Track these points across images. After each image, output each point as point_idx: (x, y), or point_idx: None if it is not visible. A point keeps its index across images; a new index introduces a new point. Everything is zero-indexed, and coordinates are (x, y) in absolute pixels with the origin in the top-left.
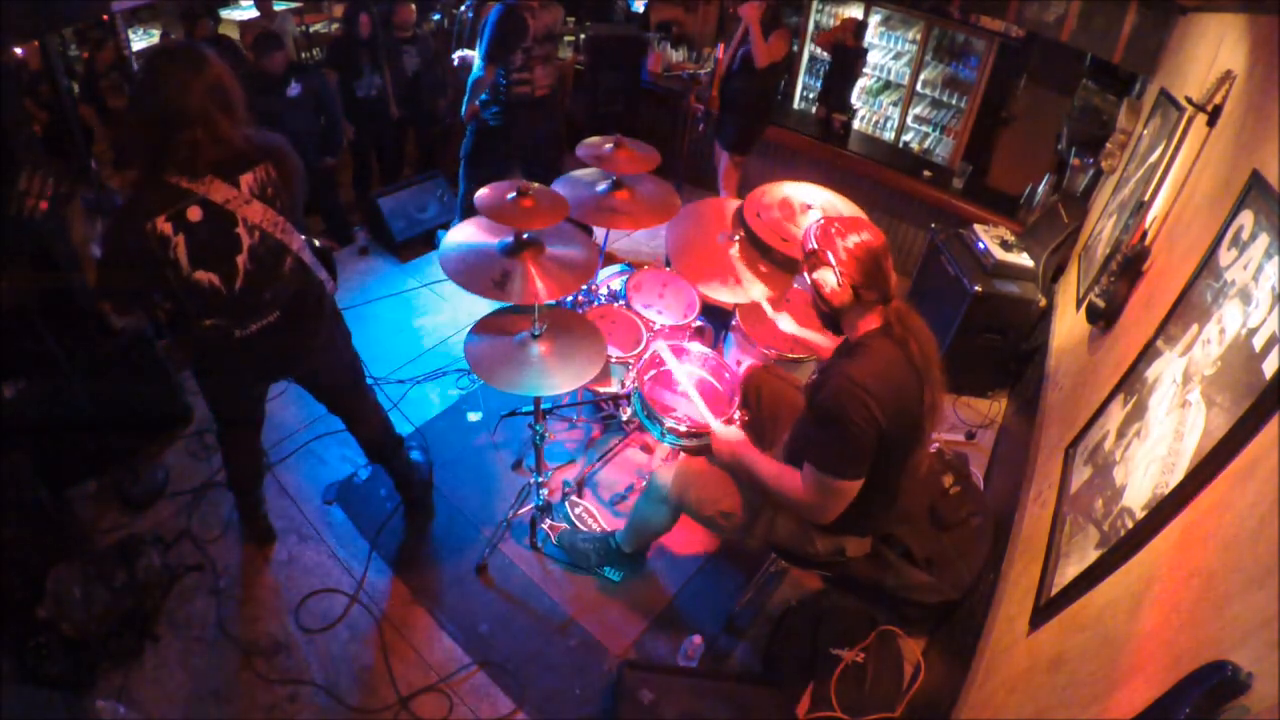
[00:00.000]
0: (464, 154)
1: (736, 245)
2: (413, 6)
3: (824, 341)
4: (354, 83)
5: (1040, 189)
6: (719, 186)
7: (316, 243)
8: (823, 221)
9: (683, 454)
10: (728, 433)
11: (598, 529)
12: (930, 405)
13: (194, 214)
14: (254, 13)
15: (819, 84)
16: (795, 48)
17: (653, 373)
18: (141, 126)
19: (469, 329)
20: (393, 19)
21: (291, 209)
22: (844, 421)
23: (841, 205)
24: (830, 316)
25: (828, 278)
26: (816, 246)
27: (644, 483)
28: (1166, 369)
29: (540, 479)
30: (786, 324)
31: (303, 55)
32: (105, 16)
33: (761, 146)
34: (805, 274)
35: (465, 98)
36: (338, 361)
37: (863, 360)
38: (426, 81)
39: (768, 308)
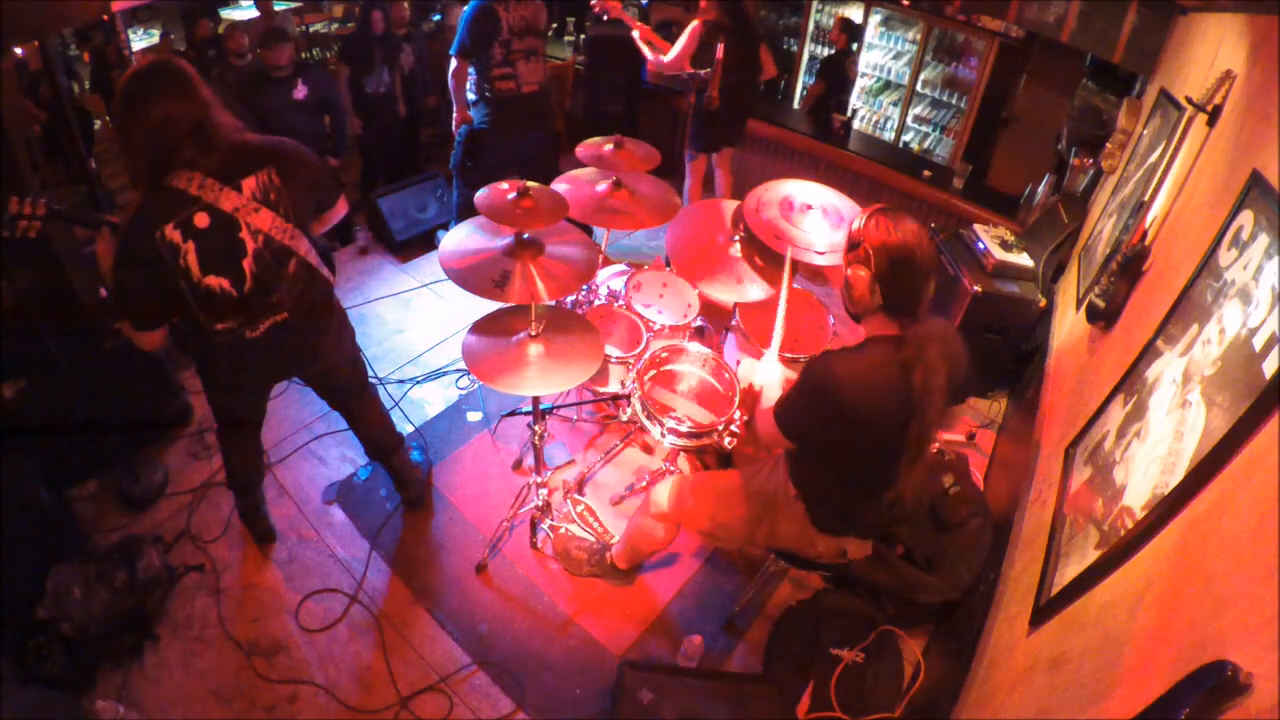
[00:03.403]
0: (455, 164)
1: (737, 244)
2: (405, 4)
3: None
4: (364, 78)
5: (1040, 189)
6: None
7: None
8: (872, 214)
9: (679, 468)
10: (773, 369)
11: (598, 528)
12: (916, 438)
13: (201, 220)
14: (254, 12)
15: None
16: (794, 47)
17: (653, 373)
18: (135, 139)
19: (469, 329)
20: (393, 16)
21: (298, 212)
22: (805, 392)
23: (843, 205)
24: (854, 314)
25: (859, 273)
26: (860, 239)
27: (643, 484)
28: (1166, 369)
29: (540, 479)
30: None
31: (303, 55)
32: (105, 16)
33: (761, 146)
34: (844, 265)
35: (453, 100)
36: (345, 359)
37: (854, 358)
38: (420, 79)
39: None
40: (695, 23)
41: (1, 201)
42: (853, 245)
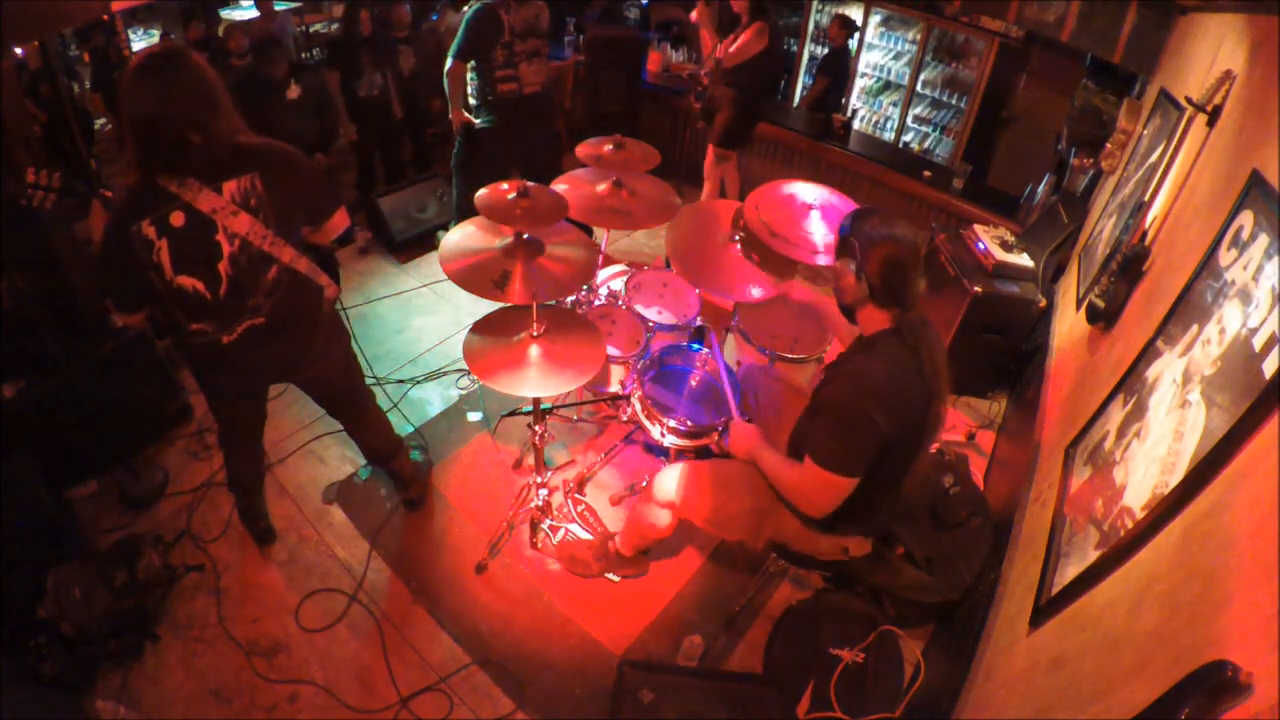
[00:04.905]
0: (455, 164)
1: (737, 244)
2: (406, 6)
3: (832, 314)
4: (355, 82)
5: (1040, 189)
6: (703, 178)
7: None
8: (861, 212)
9: (683, 456)
10: (745, 429)
11: (599, 529)
12: (935, 417)
13: (177, 219)
14: (254, 12)
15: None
16: (794, 47)
17: (653, 373)
18: (129, 132)
19: (469, 329)
20: (389, 18)
21: (281, 220)
22: (848, 418)
23: (844, 207)
24: (846, 307)
25: (847, 266)
26: (848, 235)
27: (644, 484)
28: (1166, 369)
29: (540, 479)
30: (798, 291)
31: (302, 55)
32: (105, 16)
33: (762, 146)
34: (834, 260)
35: (448, 102)
36: (335, 366)
37: (873, 360)
38: (422, 81)
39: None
40: (755, 24)
41: (18, 177)
42: (841, 242)
